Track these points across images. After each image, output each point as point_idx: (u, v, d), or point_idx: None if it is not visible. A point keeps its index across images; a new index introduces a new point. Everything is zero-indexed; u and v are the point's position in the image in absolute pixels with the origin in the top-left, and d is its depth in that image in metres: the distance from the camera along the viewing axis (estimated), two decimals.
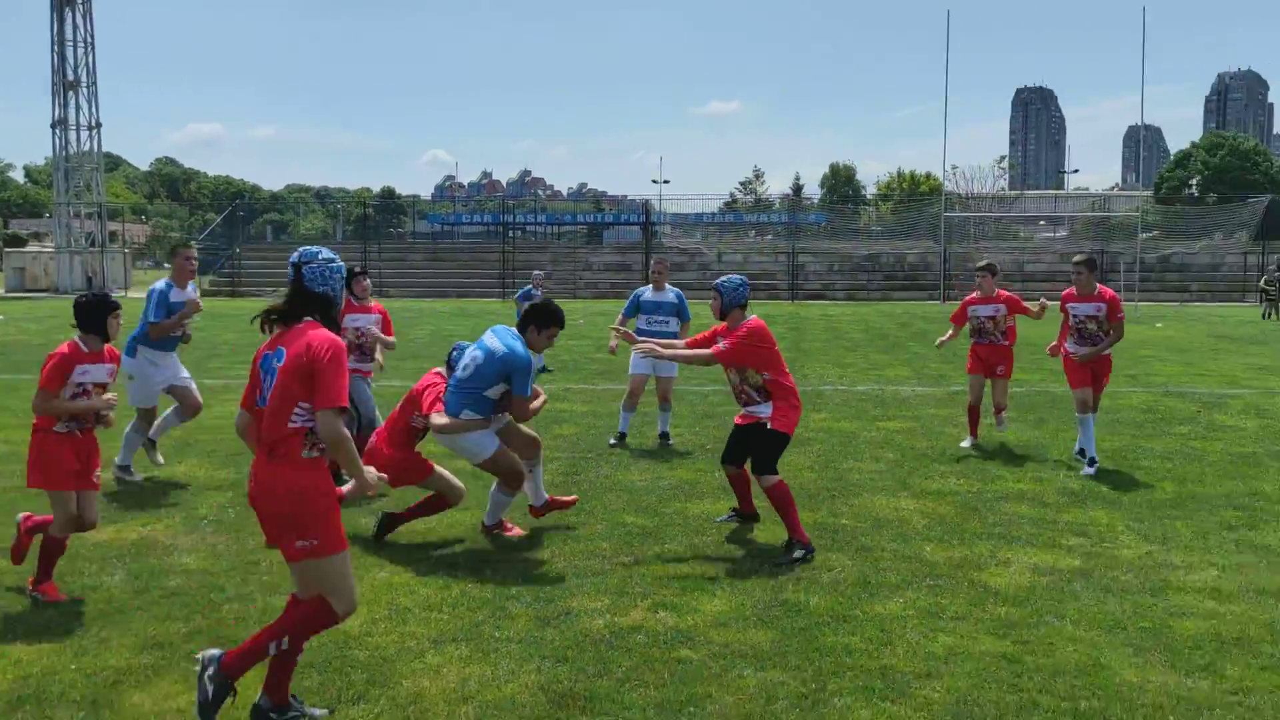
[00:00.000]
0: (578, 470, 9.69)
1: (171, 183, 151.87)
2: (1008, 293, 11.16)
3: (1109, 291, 10.03)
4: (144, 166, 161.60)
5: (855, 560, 6.88)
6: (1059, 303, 10.19)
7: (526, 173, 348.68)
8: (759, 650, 5.32)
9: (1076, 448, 10.18)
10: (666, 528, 7.67)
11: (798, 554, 6.83)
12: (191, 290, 9.43)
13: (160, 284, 9.26)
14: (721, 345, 7.23)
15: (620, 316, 11.31)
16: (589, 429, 11.94)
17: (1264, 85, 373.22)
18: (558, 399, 14.30)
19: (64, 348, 6.08)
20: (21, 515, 6.34)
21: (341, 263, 4.65)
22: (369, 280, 9.60)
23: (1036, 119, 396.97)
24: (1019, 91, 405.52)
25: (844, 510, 8.25)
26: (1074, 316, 10.02)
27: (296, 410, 4.28)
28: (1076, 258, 10.31)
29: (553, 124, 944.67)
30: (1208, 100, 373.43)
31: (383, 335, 9.64)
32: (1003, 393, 11.08)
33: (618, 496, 8.62)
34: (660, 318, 11.20)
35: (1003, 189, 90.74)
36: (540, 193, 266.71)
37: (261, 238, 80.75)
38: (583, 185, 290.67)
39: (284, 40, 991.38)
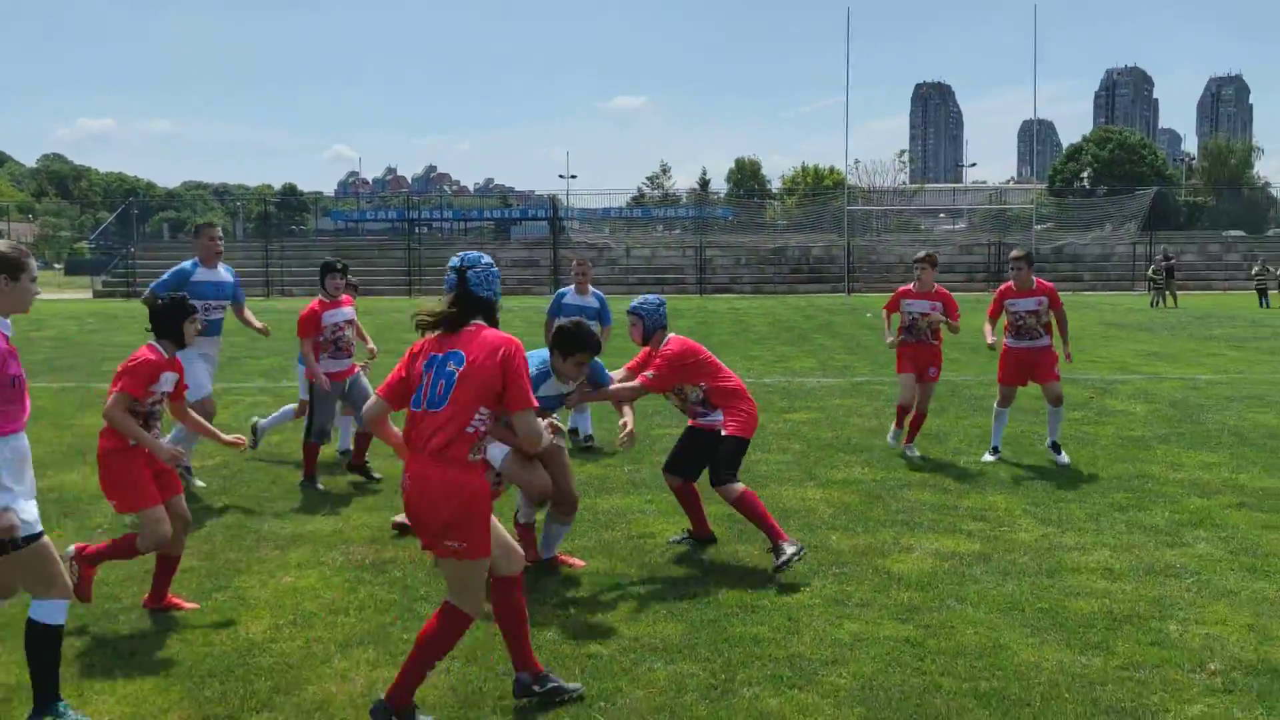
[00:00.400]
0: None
1: (60, 180, 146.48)
2: (946, 291, 10.22)
3: (1046, 284, 9.87)
4: (30, 163, 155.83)
5: (763, 551, 6.95)
6: (994, 299, 10.11)
7: (432, 168, 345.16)
8: (668, 643, 5.36)
9: (1049, 441, 9.80)
10: (576, 524, 7.65)
11: (790, 551, 6.35)
12: (226, 272, 8.99)
13: (186, 264, 8.76)
14: (649, 375, 6.72)
15: (547, 318, 11.12)
16: None
17: (1149, 81, 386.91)
18: None
19: (147, 352, 5.76)
20: (73, 549, 5.68)
21: (497, 268, 4.70)
22: (343, 278, 9.23)
23: (935, 114, 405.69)
24: (918, 86, 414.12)
25: None
26: (1013, 313, 9.78)
27: (478, 414, 4.29)
28: (1014, 253, 10.03)
29: (458, 119, 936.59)
30: (1097, 95, 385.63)
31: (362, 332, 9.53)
32: (927, 398, 10.09)
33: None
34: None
35: (904, 182, 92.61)
36: (446, 188, 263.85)
37: (158, 236, 78.49)
38: (489, 180, 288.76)
39: (179, 32, 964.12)
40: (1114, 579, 6.33)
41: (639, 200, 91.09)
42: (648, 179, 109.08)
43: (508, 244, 61.04)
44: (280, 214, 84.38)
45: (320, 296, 9.11)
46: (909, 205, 76.52)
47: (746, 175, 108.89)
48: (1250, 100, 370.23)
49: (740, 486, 6.69)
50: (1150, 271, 39.83)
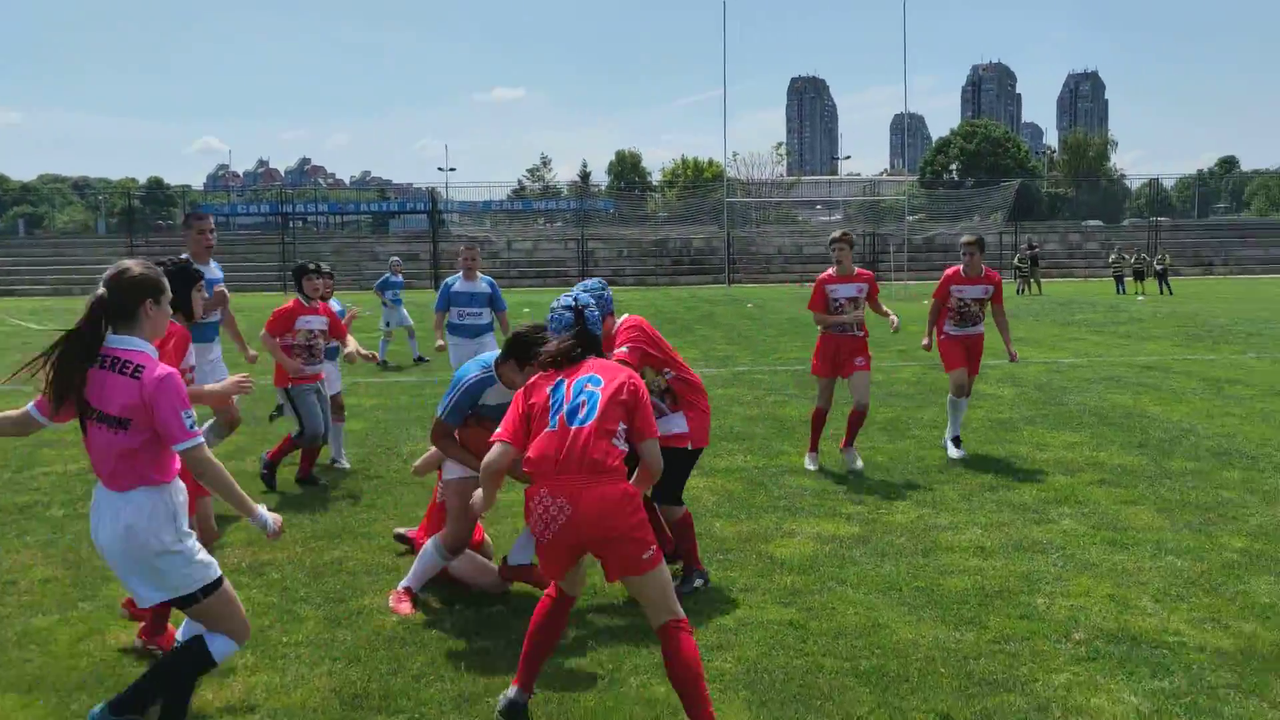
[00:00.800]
0: (368, 465, 9.47)
1: None
2: (869, 272, 9.51)
3: (994, 273, 9.76)
4: None
5: None
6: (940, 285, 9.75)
7: (306, 160, 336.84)
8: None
9: (948, 436, 9.68)
10: None
11: (697, 583, 6.01)
12: (215, 269, 8.15)
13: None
14: (623, 348, 5.90)
15: (435, 314, 10.75)
16: (378, 424, 11.68)
17: (1012, 77, 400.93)
18: (346, 393, 13.92)
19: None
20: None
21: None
22: (322, 280, 8.83)
23: (811, 107, 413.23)
24: (794, 80, 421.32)
25: None
26: (959, 299, 9.56)
27: (615, 435, 4.22)
28: (966, 238, 9.65)
29: (332, 111, 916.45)
30: (964, 90, 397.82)
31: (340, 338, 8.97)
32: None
33: (410, 490, 8.47)
34: (473, 310, 10.43)
35: (781, 175, 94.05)
36: (321, 181, 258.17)
37: (12, 232, 74.91)
38: (366, 174, 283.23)
39: (24, 18, 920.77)
40: (985, 556, 6.55)
41: (519, 193, 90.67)
42: (528, 171, 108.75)
43: (385, 238, 60.06)
44: (146, 208, 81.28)
45: (297, 298, 8.69)
46: (787, 197, 77.80)
47: (627, 168, 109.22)
48: (1106, 96, 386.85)
49: (683, 509, 6.20)
50: (1015, 260, 41.31)
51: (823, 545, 6.85)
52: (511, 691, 4.46)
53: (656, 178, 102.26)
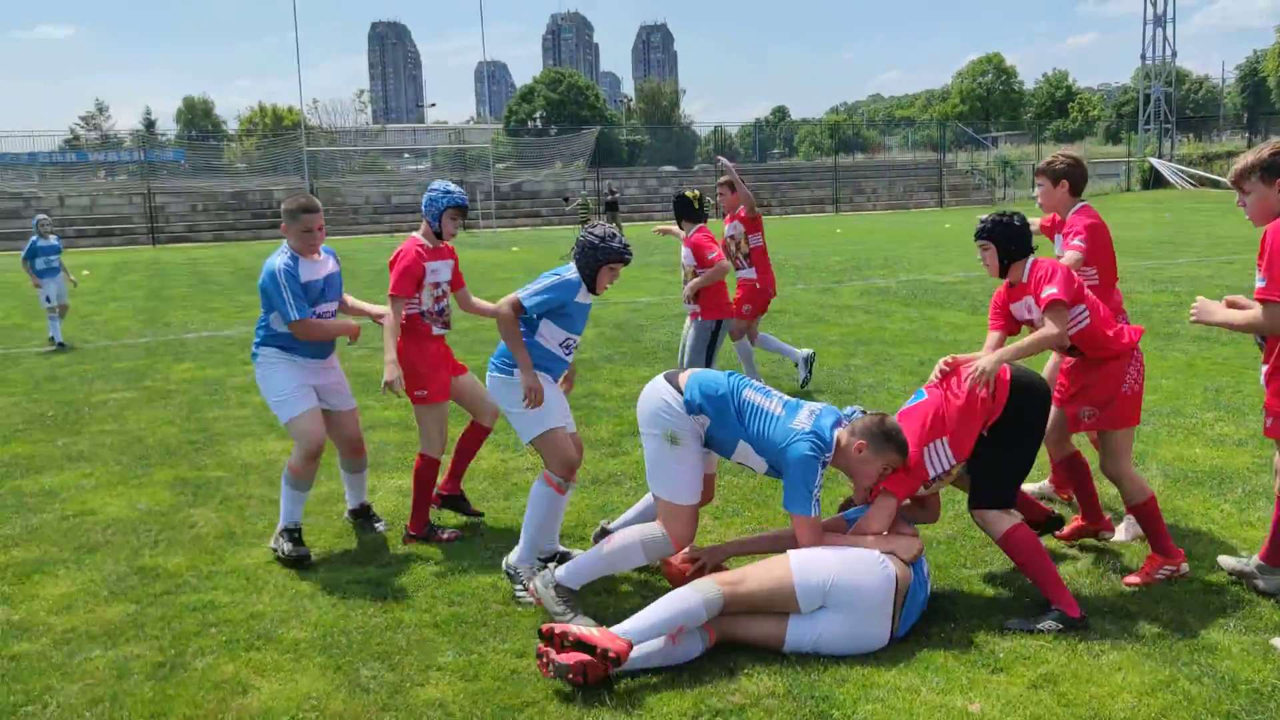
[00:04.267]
0: None
1: None
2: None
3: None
4: None
5: (219, 512, 6.61)
6: None
7: None
8: (110, 626, 4.91)
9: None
10: None
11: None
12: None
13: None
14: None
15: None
16: None
17: (589, 27, 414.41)
18: None
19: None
20: None
21: None
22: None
23: (393, 53, 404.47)
24: (374, 26, 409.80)
25: (209, 462, 7.88)
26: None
27: None
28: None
29: None
30: (544, 39, 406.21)
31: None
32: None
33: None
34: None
35: (366, 123, 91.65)
36: None
37: None
38: None
39: None
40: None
41: (73, 144, 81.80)
42: (82, 119, 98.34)
43: None
44: None
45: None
46: (373, 145, 75.96)
47: (199, 115, 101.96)
48: (675, 47, 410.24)
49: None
50: (576, 205, 42.62)
51: (405, 499, 6.75)
52: None
53: (232, 126, 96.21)
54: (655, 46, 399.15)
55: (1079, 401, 5.26)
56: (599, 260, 5.28)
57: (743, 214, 9.57)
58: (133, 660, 4.56)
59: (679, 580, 4.84)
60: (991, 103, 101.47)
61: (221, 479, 7.39)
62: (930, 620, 4.67)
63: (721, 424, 4.72)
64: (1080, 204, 6.04)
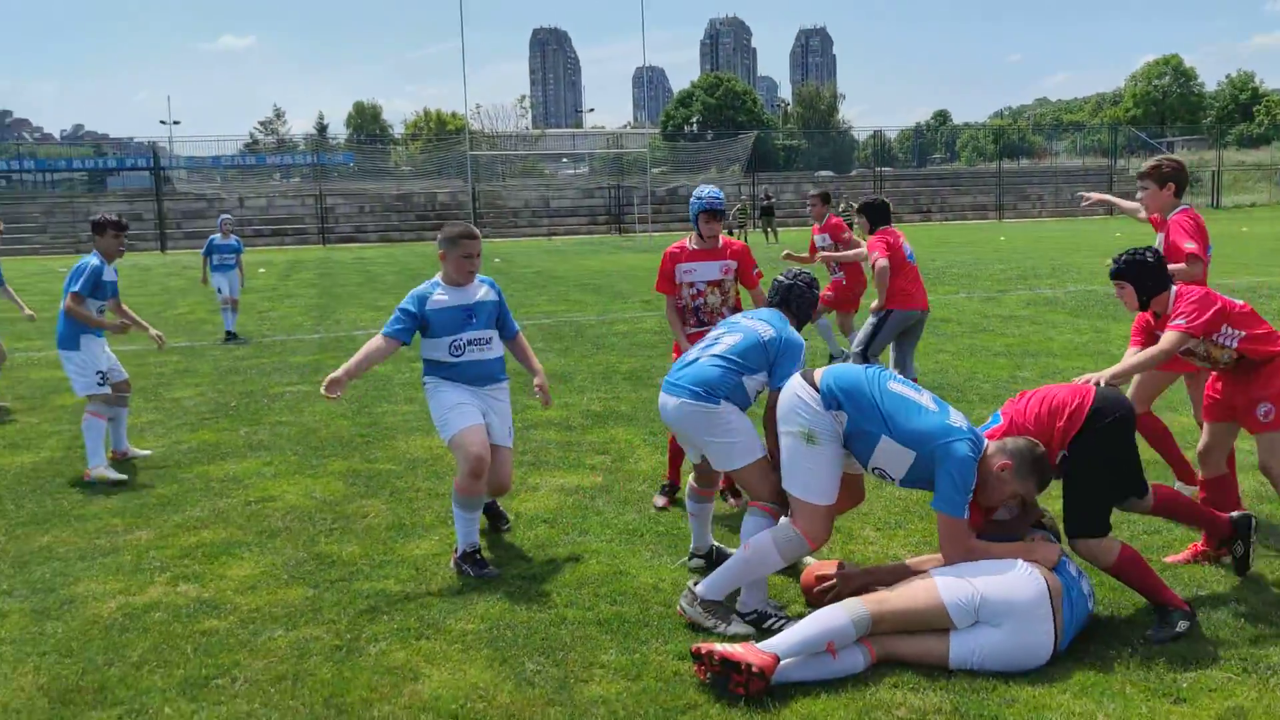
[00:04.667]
0: (81, 442, 8.79)
1: None
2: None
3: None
4: None
5: (390, 504, 6.85)
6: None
7: (7, 113, 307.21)
8: (291, 609, 5.14)
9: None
10: (187, 494, 7.18)
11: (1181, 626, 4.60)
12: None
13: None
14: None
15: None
16: None
17: (748, 31, 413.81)
18: (55, 365, 12.87)
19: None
20: None
21: None
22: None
23: (554, 59, 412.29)
24: (536, 32, 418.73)
25: (379, 455, 8.17)
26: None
27: None
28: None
29: (36, 59, 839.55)
30: (702, 44, 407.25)
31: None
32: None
33: (129, 467, 7.93)
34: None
35: (526, 128, 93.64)
36: (27, 136, 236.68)
37: None
38: (79, 128, 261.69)
39: None
40: (723, 497, 6.77)
41: (252, 147, 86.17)
42: (260, 124, 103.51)
43: (104, 195, 55.74)
44: None
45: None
46: (532, 150, 77.54)
47: (367, 120, 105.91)
48: (834, 51, 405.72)
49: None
50: (735, 211, 42.45)
51: (567, 497, 6.90)
52: None
53: (399, 131, 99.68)
54: (814, 50, 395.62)
55: (1255, 401, 5.21)
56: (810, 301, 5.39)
57: (832, 221, 11.42)
58: (312, 641, 4.77)
59: (817, 602, 4.78)
60: (1168, 106, 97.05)
61: (391, 472, 7.65)
62: (1098, 639, 4.49)
63: (861, 419, 4.60)
64: (1182, 205, 6.27)
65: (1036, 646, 4.27)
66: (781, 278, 5.40)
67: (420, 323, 5.85)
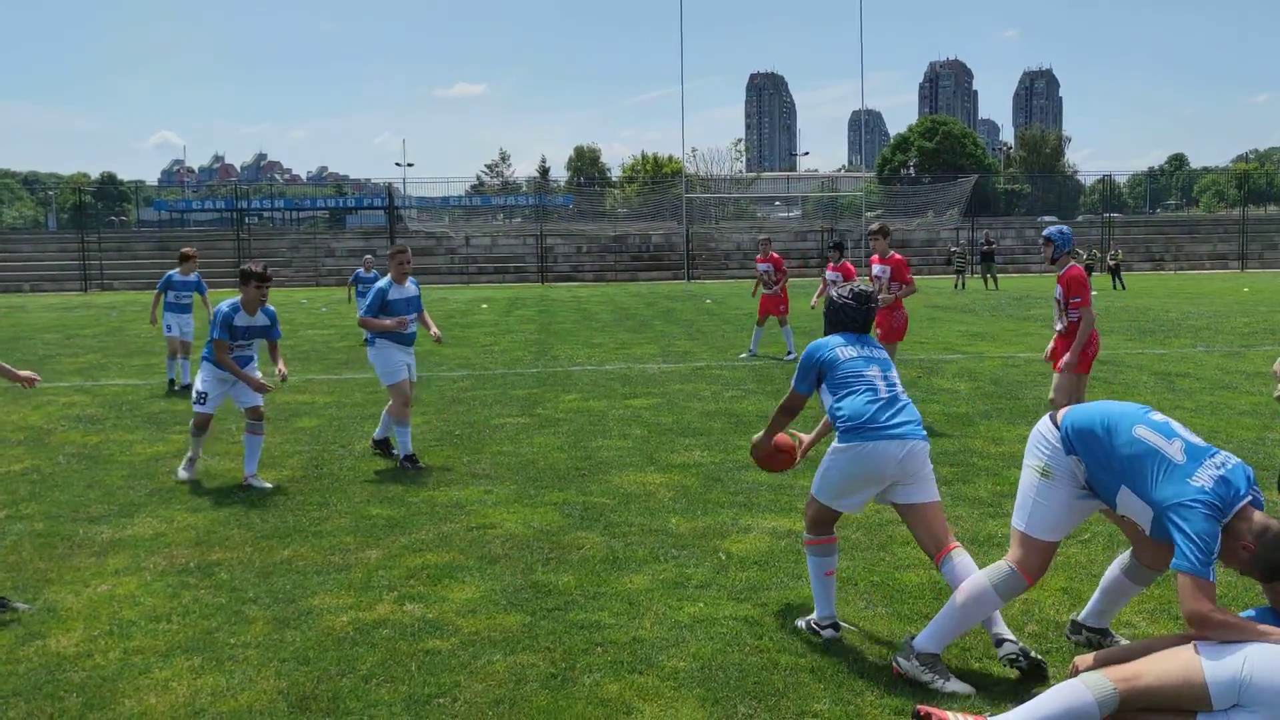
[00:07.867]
0: (320, 463, 9.34)
1: None
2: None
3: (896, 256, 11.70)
4: None
5: (604, 537, 6.95)
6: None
7: (262, 156, 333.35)
8: (509, 634, 5.28)
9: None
10: (414, 517, 7.51)
11: None
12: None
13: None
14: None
15: (364, 311, 9.48)
16: (331, 420, 11.54)
17: (969, 74, 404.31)
18: (299, 390, 13.75)
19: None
20: None
21: None
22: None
23: (769, 103, 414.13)
24: (752, 77, 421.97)
25: (593, 488, 8.32)
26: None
27: None
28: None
29: (289, 106, 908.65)
30: (921, 87, 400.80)
31: None
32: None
33: (362, 488, 8.37)
34: (410, 317, 9.38)
35: (740, 171, 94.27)
36: (278, 177, 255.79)
37: None
38: (323, 169, 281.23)
39: None
40: None
41: (478, 188, 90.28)
42: (487, 167, 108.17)
43: (342, 234, 59.47)
44: (98, 204, 79.98)
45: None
46: (746, 193, 77.95)
47: (586, 163, 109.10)
48: (1060, 93, 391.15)
49: None
50: (953, 254, 41.28)
51: (779, 540, 6.83)
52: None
53: (616, 173, 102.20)
54: (1039, 93, 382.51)
55: None
56: None
57: (894, 258, 11.67)
58: (528, 668, 4.88)
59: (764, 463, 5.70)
60: None
61: (605, 505, 7.77)
62: None
63: (1096, 467, 4.35)
64: None
65: None
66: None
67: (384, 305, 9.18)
